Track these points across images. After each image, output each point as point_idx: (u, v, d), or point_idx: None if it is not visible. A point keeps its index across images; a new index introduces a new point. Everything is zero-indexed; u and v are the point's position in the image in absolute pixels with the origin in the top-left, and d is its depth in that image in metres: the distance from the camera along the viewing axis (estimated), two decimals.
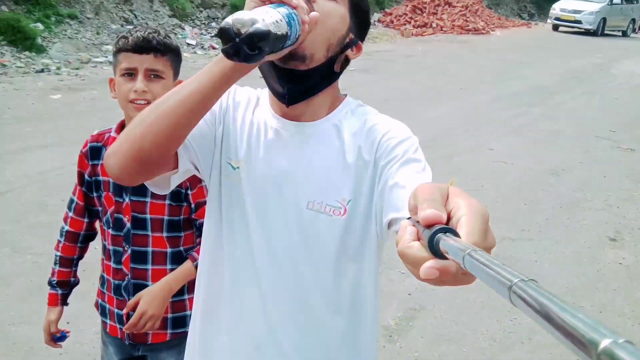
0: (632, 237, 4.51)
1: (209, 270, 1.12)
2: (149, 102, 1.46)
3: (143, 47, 1.49)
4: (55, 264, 1.72)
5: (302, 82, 1.00)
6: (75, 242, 1.71)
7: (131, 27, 1.78)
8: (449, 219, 0.54)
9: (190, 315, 1.60)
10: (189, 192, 1.57)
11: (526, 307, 0.37)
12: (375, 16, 15.70)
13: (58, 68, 7.63)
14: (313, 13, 0.90)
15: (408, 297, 3.36)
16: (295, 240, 1.03)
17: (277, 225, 1.04)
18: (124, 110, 1.55)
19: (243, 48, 0.78)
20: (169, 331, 1.65)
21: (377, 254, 1.06)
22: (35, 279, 3.09)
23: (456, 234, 0.51)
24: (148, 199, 1.56)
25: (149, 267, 1.60)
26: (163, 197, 1.56)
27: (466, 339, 3.06)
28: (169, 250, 1.60)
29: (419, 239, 0.53)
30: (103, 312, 1.68)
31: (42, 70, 7.41)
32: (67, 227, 1.70)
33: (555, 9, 19.96)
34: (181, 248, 1.62)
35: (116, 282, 1.61)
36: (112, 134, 1.60)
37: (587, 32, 19.51)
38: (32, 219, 3.72)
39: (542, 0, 24.68)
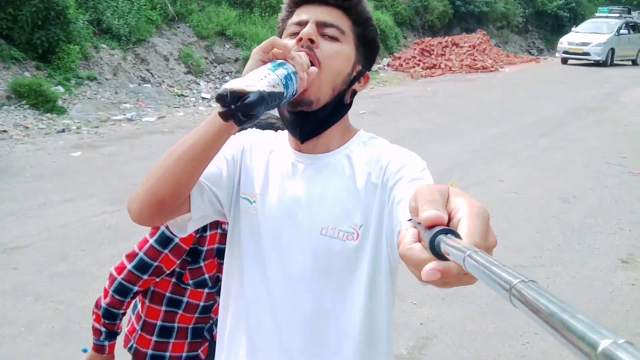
0: None
1: (230, 302, 1.16)
2: None
3: None
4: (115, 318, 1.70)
5: (313, 120, 1.06)
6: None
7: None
8: (449, 219, 0.54)
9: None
10: None
11: (526, 308, 0.37)
12: (384, 61, 16.05)
13: (78, 127, 7.93)
14: (312, 69, 0.97)
15: (420, 327, 3.40)
16: (310, 267, 1.05)
17: (291, 252, 1.07)
18: None
19: (237, 114, 0.85)
20: None
21: (390, 280, 1.07)
22: (57, 325, 3.21)
23: (457, 235, 0.51)
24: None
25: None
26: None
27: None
28: None
29: (420, 240, 0.53)
30: None
31: (62, 130, 7.71)
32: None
33: (563, 43, 20.20)
34: None
35: (199, 325, 1.74)
36: None
37: (596, 64, 19.66)
38: (53, 268, 3.87)
39: (550, 36, 24.98)
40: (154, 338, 1.71)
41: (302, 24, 1.04)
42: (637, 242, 4.80)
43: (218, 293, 1.62)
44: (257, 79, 0.87)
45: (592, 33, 20.04)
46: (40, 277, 3.74)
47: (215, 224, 1.64)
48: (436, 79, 15.50)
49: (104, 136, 7.68)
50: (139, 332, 1.73)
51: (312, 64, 1.00)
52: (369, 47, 1.12)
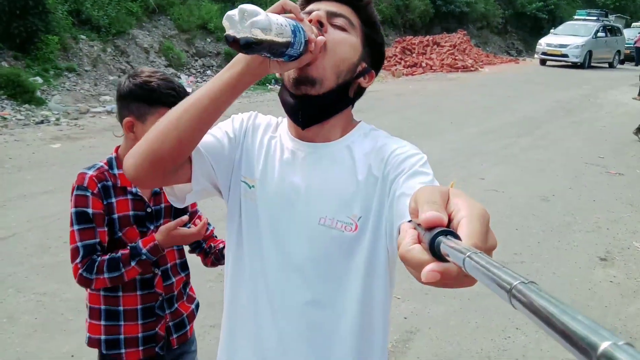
0: (622, 256, 4.59)
1: (231, 286, 1.17)
2: None
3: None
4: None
5: (315, 106, 1.04)
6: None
7: (134, 72, 1.75)
8: (449, 220, 0.54)
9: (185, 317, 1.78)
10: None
11: (526, 309, 0.36)
12: None
13: (57, 119, 7.81)
14: (320, 37, 0.97)
15: (404, 321, 3.43)
16: (306, 256, 1.06)
17: (289, 241, 1.07)
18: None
19: (240, 42, 0.84)
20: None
21: (387, 272, 1.07)
22: (40, 317, 3.17)
23: (457, 237, 0.50)
24: (161, 221, 1.73)
25: (173, 280, 1.78)
26: (169, 215, 1.74)
27: (461, 358, 3.12)
28: (178, 261, 1.81)
29: (419, 242, 0.53)
30: (115, 346, 1.70)
31: (41, 122, 7.59)
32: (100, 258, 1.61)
33: (542, 45, 20.49)
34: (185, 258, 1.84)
35: (148, 305, 1.71)
36: (109, 168, 1.65)
37: (574, 65, 20.00)
38: (35, 260, 3.81)
39: (529, 37, 25.29)
40: (102, 323, 1.69)
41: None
42: (614, 240, 4.90)
43: (154, 264, 1.68)
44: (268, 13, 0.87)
45: (570, 35, 20.38)
46: (22, 269, 3.68)
47: (124, 191, 1.65)
48: (417, 77, 15.59)
49: (83, 128, 7.57)
50: (88, 320, 1.72)
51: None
52: (376, 50, 1.12)
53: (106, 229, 1.62)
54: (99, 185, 1.60)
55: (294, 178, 1.08)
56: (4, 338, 2.97)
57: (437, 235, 0.50)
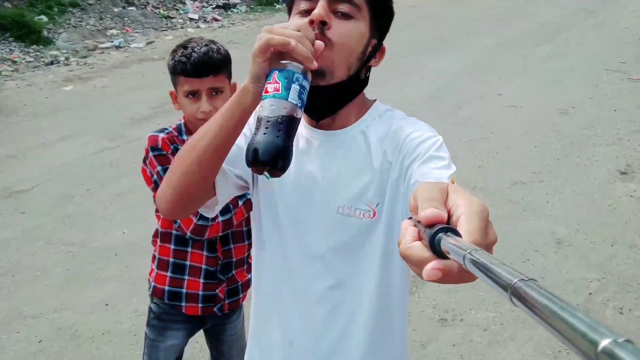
0: None
1: (256, 272, 1.21)
2: None
3: (203, 70, 1.62)
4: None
5: (327, 97, 1.01)
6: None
7: (183, 42, 1.75)
8: (449, 217, 0.54)
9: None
10: None
11: (525, 307, 0.37)
12: None
13: (67, 58, 7.74)
14: (318, 43, 0.91)
15: None
16: (325, 244, 1.07)
17: (308, 230, 1.08)
18: (191, 125, 1.71)
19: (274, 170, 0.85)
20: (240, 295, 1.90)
21: None
22: (72, 267, 3.29)
23: (457, 233, 0.51)
24: None
25: (232, 246, 1.83)
26: None
27: (481, 284, 3.19)
28: (244, 228, 1.84)
29: (420, 239, 0.53)
30: (177, 298, 1.80)
31: (51, 63, 7.53)
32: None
33: None
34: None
35: (211, 268, 1.79)
36: (178, 134, 1.73)
37: None
38: (60, 210, 3.91)
39: None
40: (169, 274, 1.79)
41: (313, 0, 0.98)
42: (635, 152, 4.84)
43: (224, 224, 1.71)
44: (279, 133, 0.83)
45: None
46: (49, 220, 3.79)
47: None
48: None
49: (93, 67, 7.51)
50: (155, 270, 1.82)
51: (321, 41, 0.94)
52: (385, 17, 1.07)
53: None
54: (171, 147, 1.68)
55: (310, 167, 1.08)
56: (40, 291, 3.11)
57: (437, 232, 0.50)
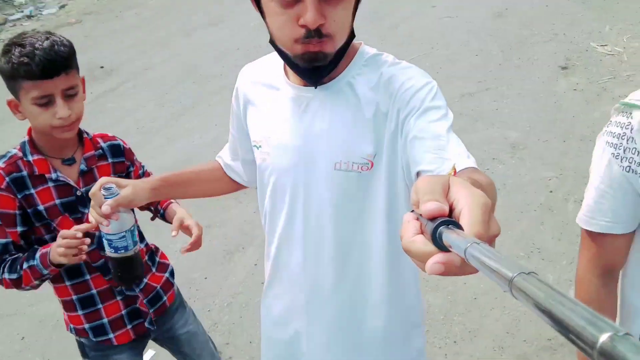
0: (582, 60, 4.67)
1: (268, 240, 1.23)
2: (74, 123, 1.41)
3: (53, 69, 1.34)
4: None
5: (329, 66, 1.01)
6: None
7: (14, 39, 1.33)
8: (451, 210, 0.54)
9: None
10: (131, 169, 1.63)
11: (526, 301, 0.37)
12: None
13: None
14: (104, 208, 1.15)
15: None
16: (328, 201, 1.08)
17: (309, 190, 1.09)
18: (43, 137, 1.45)
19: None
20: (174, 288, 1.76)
21: (409, 201, 1.03)
22: None
23: (459, 226, 0.50)
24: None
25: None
26: None
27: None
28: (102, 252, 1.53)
29: (422, 232, 0.54)
30: (100, 332, 1.60)
31: None
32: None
33: None
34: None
35: (117, 288, 1.59)
36: (23, 155, 1.45)
37: None
38: None
39: None
40: (80, 312, 1.58)
41: None
42: (571, 44, 4.94)
43: (99, 246, 1.49)
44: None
45: None
46: None
47: (42, 179, 1.46)
48: None
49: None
50: (66, 313, 1.62)
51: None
52: None
53: (19, 229, 1.44)
54: (7, 179, 1.41)
55: (301, 127, 1.07)
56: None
57: (438, 225, 0.50)
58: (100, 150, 1.57)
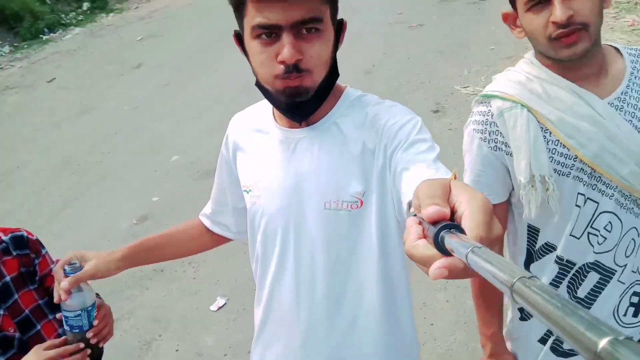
0: (450, 103, 5.03)
1: (259, 285, 1.22)
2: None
3: None
4: None
5: (311, 104, 1.03)
6: None
7: None
8: (452, 213, 0.54)
9: None
10: (36, 261, 1.47)
11: (527, 305, 0.37)
12: None
13: None
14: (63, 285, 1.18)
15: None
16: (320, 242, 1.08)
17: (299, 232, 1.09)
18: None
19: None
20: None
21: (401, 240, 1.03)
22: None
23: (460, 230, 0.51)
24: (16, 296, 1.39)
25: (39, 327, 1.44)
26: (25, 284, 1.42)
27: None
28: (40, 302, 1.45)
29: (424, 236, 0.54)
30: None
31: None
32: None
33: None
34: None
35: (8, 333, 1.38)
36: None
37: None
38: None
39: None
40: None
41: (273, 29, 0.95)
42: (438, 90, 5.32)
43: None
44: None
45: None
46: None
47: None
48: None
49: None
50: None
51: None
52: None
53: None
54: None
55: (290, 168, 1.09)
56: None
57: (440, 229, 0.50)
58: (4, 244, 1.43)
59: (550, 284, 1.33)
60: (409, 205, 0.90)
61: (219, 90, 6.13)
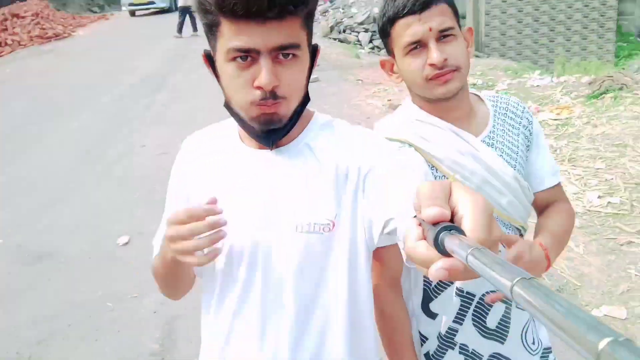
0: None
1: (216, 312, 1.10)
2: None
3: None
4: None
5: (285, 128, 1.00)
6: None
7: None
8: (453, 215, 0.53)
9: None
10: None
11: (527, 306, 0.37)
12: None
13: None
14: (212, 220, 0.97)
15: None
16: (290, 265, 1.02)
17: (268, 256, 1.03)
18: None
19: None
20: None
21: (368, 263, 1.07)
22: None
23: (461, 231, 0.51)
24: None
25: None
26: None
27: None
28: None
29: (425, 238, 0.53)
30: None
31: None
32: None
33: None
34: None
35: None
36: None
37: (163, 10, 20.68)
38: None
39: None
40: None
41: (250, 52, 0.91)
42: None
43: None
44: None
45: None
46: None
47: None
48: (8, 57, 13.82)
49: None
50: None
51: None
52: (312, 21, 1.02)
53: None
54: None
55: (260, 190, 1.03)
56: None
57: (440, 231, 0.50)
58: None
59: (455, 317, 1.33)
60: (384, 226, 0.93)
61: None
